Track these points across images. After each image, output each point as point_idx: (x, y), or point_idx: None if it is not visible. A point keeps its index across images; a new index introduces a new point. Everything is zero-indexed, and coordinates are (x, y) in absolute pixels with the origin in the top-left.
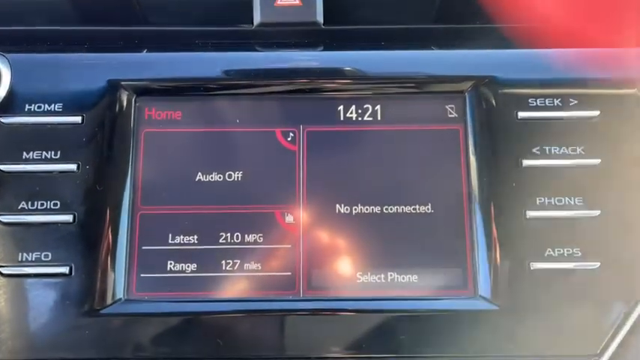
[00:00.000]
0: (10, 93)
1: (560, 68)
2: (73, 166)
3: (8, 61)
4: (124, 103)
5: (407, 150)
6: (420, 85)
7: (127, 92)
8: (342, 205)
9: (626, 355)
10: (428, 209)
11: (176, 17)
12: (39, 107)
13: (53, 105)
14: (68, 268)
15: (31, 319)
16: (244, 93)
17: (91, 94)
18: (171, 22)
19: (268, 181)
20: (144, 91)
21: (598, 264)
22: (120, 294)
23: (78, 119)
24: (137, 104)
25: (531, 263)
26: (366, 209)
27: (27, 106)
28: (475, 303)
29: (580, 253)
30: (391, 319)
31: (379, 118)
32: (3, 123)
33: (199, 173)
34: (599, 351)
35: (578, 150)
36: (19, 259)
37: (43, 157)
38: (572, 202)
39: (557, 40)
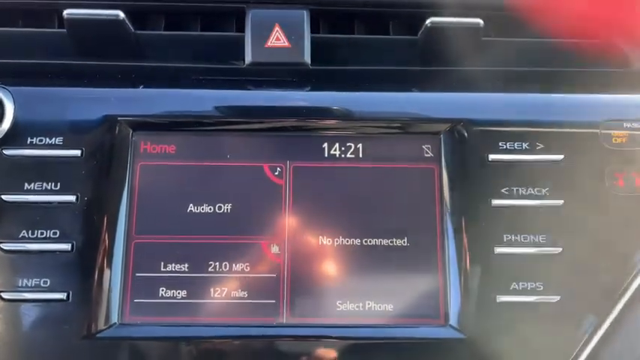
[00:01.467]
0: (14, 126)
1: (529, 112)
2: (72, 198)
3: (11, 94)
4: (121, 138)
5: (386, 186)
6: (399, 126)
7: (124, 127)
8: (325, 237)
9: None
10: (404, 242)
11: (172, 53)
12: (40, 140)
13: (54, 138)
14: (66, 294)
15: (29, 342)
16: (235, 129)
17: (91, 129)
18: (168, 57)
19: (256, 214)
20: (140, 126)
21: (558, 297)
22: (114, 319)
23: (77, 152)
24: (133, 138)
25: (498, 296)
26: (347, 241)
27: (29, 139)
28: (445, 331)
29: (542, 288)
30: (368, 345)
31: (361, 155)
32: (6, 155)
33: (191, 205)
34: None
35: (543, 191)
36: (19, 284)
37: (44, 188)
38: (537, 240)
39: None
